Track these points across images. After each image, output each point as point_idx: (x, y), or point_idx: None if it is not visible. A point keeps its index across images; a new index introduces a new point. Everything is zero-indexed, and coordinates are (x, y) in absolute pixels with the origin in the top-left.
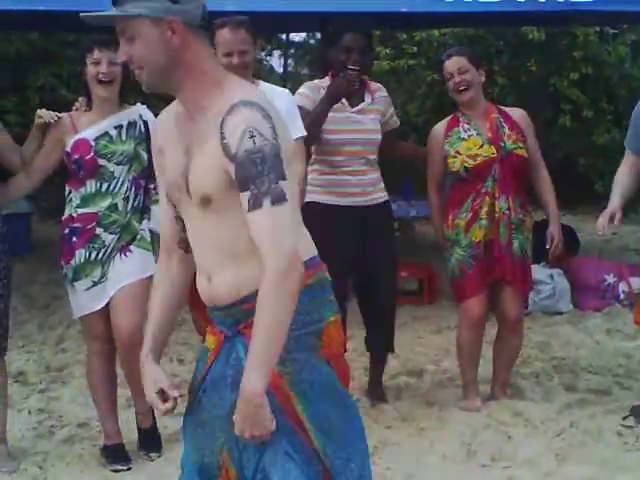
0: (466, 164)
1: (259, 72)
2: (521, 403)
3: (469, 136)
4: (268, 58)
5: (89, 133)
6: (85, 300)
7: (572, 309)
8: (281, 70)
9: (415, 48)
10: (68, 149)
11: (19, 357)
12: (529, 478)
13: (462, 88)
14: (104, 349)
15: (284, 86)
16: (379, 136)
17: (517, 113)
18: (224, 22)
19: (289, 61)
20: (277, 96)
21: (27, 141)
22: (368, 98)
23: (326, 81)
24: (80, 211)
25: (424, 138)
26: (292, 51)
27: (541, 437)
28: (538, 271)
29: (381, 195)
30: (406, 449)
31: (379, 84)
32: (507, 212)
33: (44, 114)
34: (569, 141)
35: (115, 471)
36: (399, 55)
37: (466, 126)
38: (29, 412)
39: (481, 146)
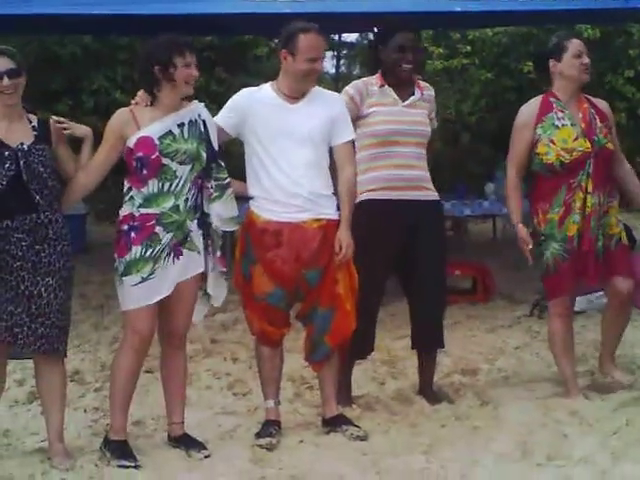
0: (562, 158)
1: None
2: (576, 401)
3: (563, 125)
4: None
5: (153, 131)
6: (133, 295)
7: None
8: (333, 71)
9: (469, 47)
10: (131, 146)
11: (75, 356)
12: (585, 477)
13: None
14: (142, 346)
15: (336, 87)
16: (428, 129)
17: (603, 104)
18: (308, 27)
19: (341, 62)
20: (330, 100)
21: (82, 155)
22: (418, 93)
23: (374, 78)
24: (143, 211)
25: (477, 137)
26: (344, 52)
27: (597, 435)
28: None
29: (432, 193)
30: (461, 448)
31: (427, 84)
32: (597, 207)
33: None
34: (624, 139)
35: (122, 467)
36: (453, 54)
37: (560, 114)
38: (85, 411)
39: (576, 139)
